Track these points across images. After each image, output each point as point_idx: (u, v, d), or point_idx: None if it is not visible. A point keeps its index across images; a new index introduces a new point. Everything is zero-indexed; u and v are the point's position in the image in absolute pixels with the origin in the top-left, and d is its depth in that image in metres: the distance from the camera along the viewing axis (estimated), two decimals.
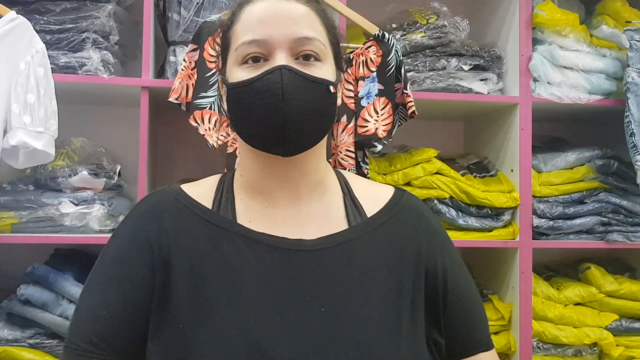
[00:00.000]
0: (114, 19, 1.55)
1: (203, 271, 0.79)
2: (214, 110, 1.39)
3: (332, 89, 0.83)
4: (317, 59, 0.83)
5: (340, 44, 0.91)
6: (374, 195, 0.92)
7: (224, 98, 0.88)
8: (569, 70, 1.68)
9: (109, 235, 1.46)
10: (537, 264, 2.00)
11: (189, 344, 0.76)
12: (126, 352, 0.79)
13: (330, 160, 1.43)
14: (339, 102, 0.89)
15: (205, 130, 1.38)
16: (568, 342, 1.65)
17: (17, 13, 1.44)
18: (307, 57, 0.82)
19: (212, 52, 1.40)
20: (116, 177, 1.53)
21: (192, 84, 1.40)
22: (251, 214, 0.86)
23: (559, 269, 1.94)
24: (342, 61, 0.92)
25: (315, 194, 0.88)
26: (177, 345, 0.77)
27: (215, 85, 1.40)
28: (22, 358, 1.39)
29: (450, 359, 0.88)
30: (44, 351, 1.41)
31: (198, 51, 1.41)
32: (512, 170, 1.67)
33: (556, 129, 2.01)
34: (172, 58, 1.58)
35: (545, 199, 1.68)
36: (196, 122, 1.38)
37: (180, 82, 1.41)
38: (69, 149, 1.55)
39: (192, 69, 1.41)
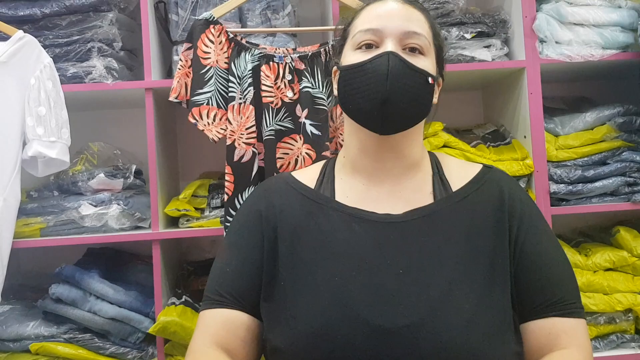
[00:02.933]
0: (118, 26, 1.62)
1: (301, 238, 0.94)
2: (212, 105, 1.44)
3: (430, 80, 0.94)
4: (421, 53, 0.95)
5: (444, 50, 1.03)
6: (461, 173, 1.01)
7: (335, 84, 1.01)
8: (579, 26, 1.59)
9: (130, 232, 1.56)
10: (570, 230, 1.94)
11: (287, 298, 0.91)
12: (247, 303, 0.94)
13: (329, 143, 1.45)
14: (435, 99, 0.99)
15: (204, 125, 1.43)
16: (598, 310, 1.58)
17: (27, 31, 1.54)
18: (413, 50, 0.94)
19: (205, 49, 1.44)
20: (132, 177, 1.61)
21: (190, 82, 1.45)
22: (349, 191, 0.99)
23: (593, 234, 1.86)
24: (443, 65, 1.03)
25: (409, 174, 0.99)
26: (279, 299, 0.92)
27: (211, 81, 1.43)
28: (58, 352, 1.50)
29: (523, 320, 0.92)
30: (78, 345, 1.51)
31: (192, 49, 1.45)
32: (525, 137, 1.62)
33: (578, 89, 1.92)
34: (175, 57, 1.63)
35: (562, 163, 1.61)
36: (194, 118, 1.42)
37: (178, 81, 1.45)
38: (87, 154, 1.64)
39: (188, 67, 1.46)
